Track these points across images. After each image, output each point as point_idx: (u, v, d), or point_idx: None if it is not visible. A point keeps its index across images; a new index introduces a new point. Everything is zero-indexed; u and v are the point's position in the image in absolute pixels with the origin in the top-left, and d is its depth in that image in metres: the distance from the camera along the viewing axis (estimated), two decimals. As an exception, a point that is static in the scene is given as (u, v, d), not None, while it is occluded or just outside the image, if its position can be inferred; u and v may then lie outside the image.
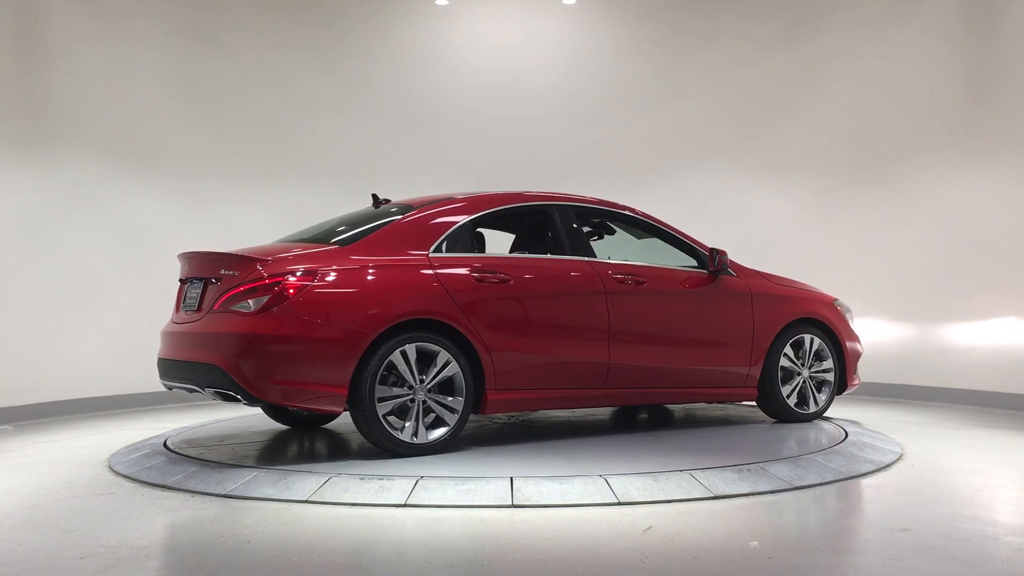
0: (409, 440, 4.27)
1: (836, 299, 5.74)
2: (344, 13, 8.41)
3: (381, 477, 3.81)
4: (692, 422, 5.66)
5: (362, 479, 3.80)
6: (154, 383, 6.06)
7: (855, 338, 5.75)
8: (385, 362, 4.21)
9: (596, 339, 4.81)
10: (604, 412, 6.00)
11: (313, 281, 4.21)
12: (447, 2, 8.51)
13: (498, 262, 4.69)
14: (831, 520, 3.38)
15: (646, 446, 4.65)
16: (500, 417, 5.70)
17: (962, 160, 7.13)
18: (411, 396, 4.29)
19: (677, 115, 8.42)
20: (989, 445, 5.10)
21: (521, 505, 3.52)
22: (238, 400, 4.25)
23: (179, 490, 3.92)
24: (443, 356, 4.33)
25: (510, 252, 5.38)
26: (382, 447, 4.27)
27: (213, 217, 7.84)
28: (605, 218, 5.46)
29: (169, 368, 4.60)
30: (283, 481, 3.86)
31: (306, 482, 3.81)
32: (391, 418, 4.27)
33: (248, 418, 5.89)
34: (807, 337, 5.44)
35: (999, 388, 6.78)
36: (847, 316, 5.73)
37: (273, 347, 4.11)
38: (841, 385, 5.62)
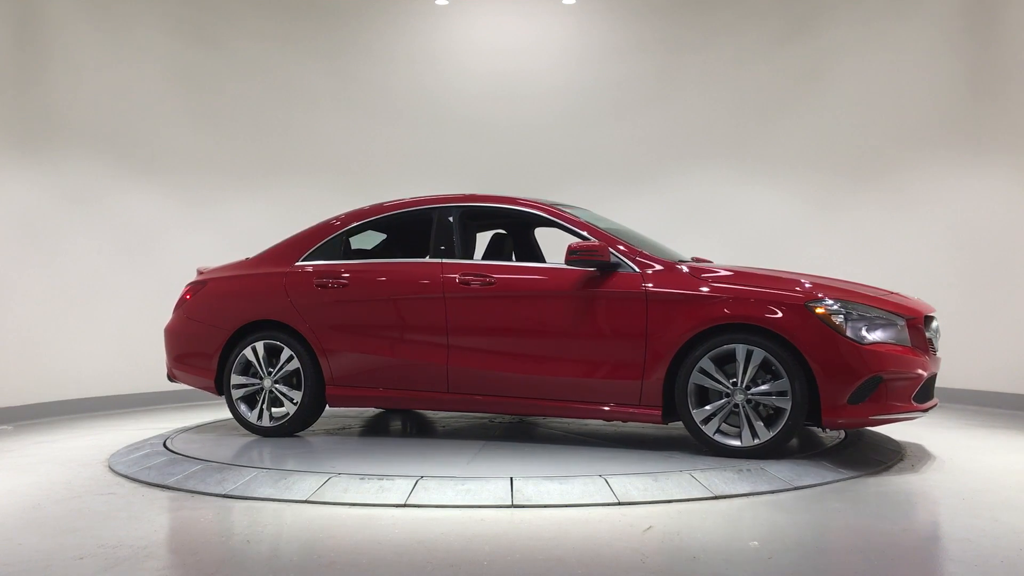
0: (255, 422, 5.07)
1: (823, 297, 4.15)
2: (344, 13, 8.41)
3: (381, 477, 3.82)
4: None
5: (362, 479, 3.80)
6: (154, 383, 6.08)
7: (851, 352, 4.04)
8: (240, 356, 5.06)
9: (432, 342, 4.75)
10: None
11: (202, 289, 5.36)
12: (447, 2, 8.51)
13: (341, 268, 5.03)
14: (831, 520, 3.38)
15: (646, 446, 4.65)
16: (500, 417, 5.70)
17: (962, 159, 7.13)
18: (260, 386, 5.06)
19: (677, 114, 8.42)
20: (989, 445, 5.10)
21: (521, 505, 3.52)
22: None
23: (179, 490, 3.93)
24: (286, 353, 5.01)
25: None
26: (243, 426, 5.13)
27: (213, 217, 7.84)
28: (494, 216, 5.35)
29: None
30: (283, 481, 3.86)
31: (306, 482, 3.82)
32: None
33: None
34: (741, 348, 4.15)
35: (999, 388, 6.78)
36: (842, 322, 4.08)
37: (172, 339, 5.43)
38: (814, 416, 4.13)
